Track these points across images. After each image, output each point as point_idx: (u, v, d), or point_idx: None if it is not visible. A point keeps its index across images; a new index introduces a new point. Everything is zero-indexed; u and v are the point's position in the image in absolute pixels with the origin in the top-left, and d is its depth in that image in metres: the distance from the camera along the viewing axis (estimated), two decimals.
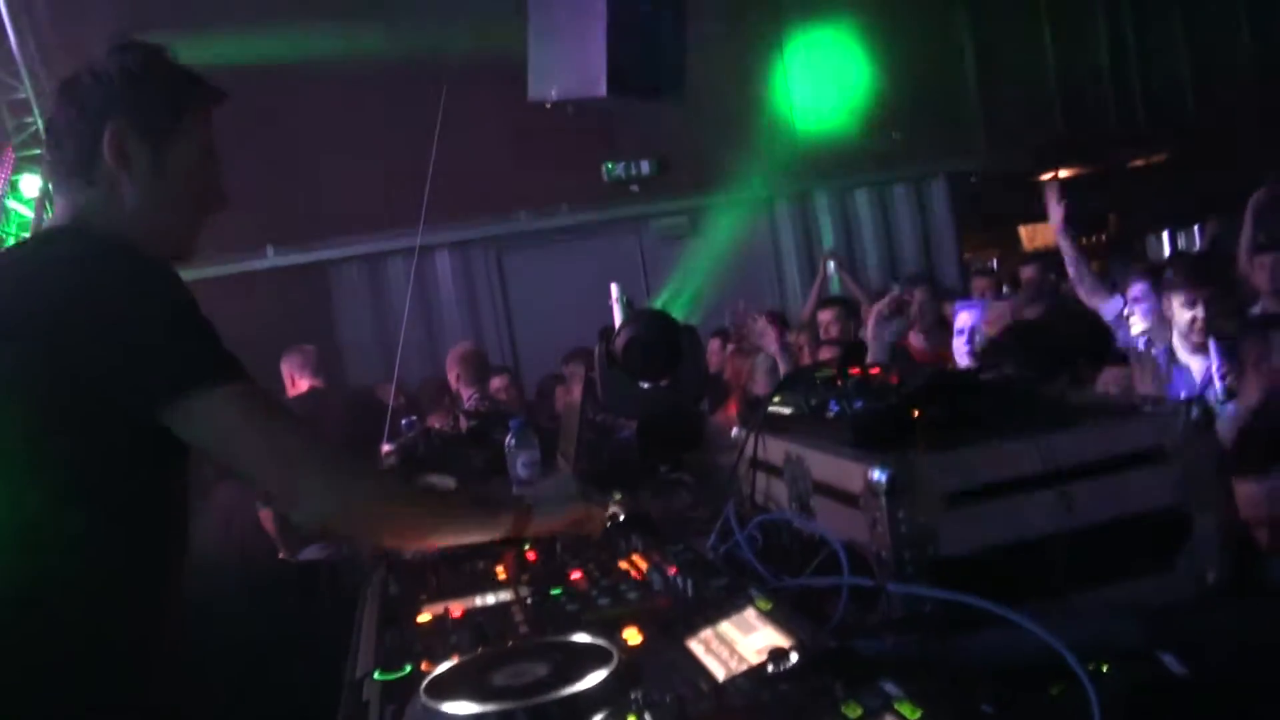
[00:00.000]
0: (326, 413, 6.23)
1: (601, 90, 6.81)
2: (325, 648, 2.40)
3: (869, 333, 3.14)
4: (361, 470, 2.14)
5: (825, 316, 7.06)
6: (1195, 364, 4.87)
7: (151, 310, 1.83)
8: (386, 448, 4.56)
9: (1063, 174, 12.29)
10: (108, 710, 1.85)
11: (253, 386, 1.90)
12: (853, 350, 2.17)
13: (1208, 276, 5.32)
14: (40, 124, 7.81)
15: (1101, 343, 5.43)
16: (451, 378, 6.75)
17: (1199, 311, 4.81)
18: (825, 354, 5.48)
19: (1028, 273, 8.24)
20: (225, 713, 3.09)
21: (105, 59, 2.01)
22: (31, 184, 7.88)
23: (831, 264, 9.04)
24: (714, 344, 6.86)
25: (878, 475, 1.64)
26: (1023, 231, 12.70)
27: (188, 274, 1.94)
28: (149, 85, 2.00)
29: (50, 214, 7.81)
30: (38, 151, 7.87)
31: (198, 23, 8.69)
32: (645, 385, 3.67)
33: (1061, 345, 4.53)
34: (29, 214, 7.77)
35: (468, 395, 6.50)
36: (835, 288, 9.15)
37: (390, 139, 8.76)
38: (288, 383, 6.56)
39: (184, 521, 2.02)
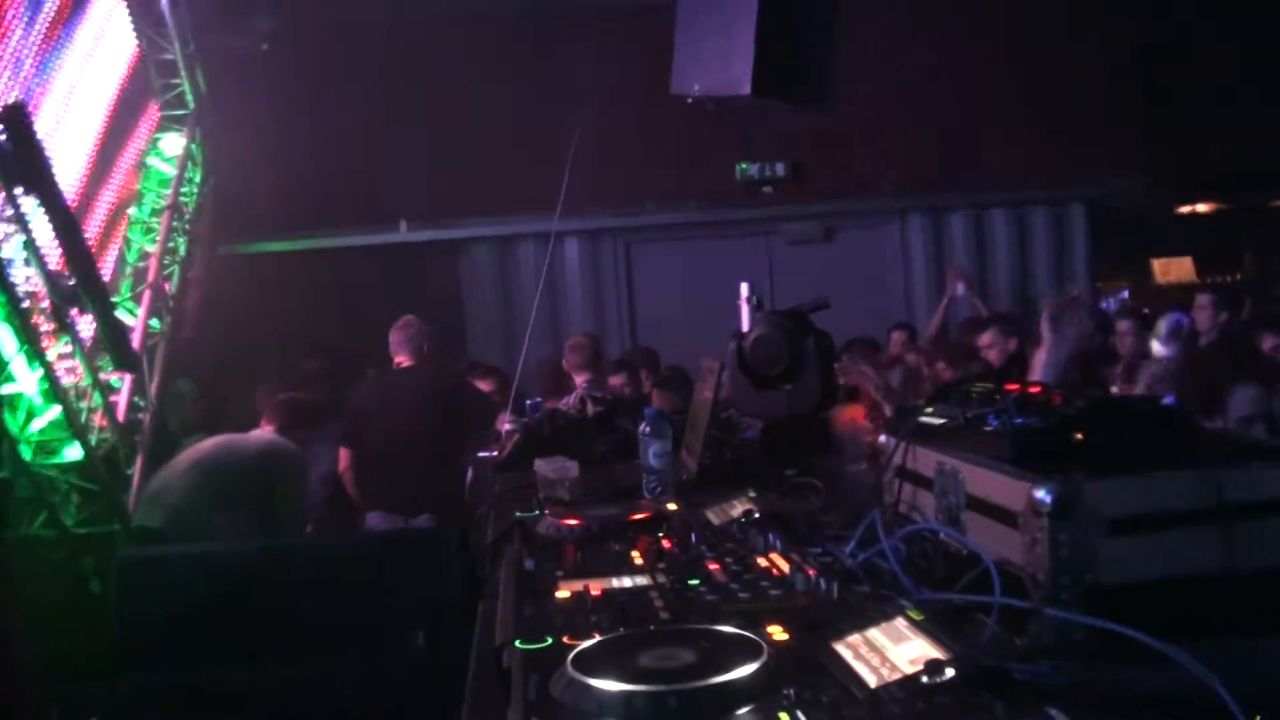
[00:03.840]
0: (393, 393, 6.37)
1: (746, 89, 6.78)
2: (449, 613, 2.43)
3: (1046, 334, 2.99)
4: None
5: (985, 339, 6.84)
6: None
7: None
8: (508, 426, 4.59)
9: (1200, 209, 11.98)
10: None
11: None
12: (1012, 366, 2.14)
13: None
14: (186, 85, 7.95)
15: None
16: (565, 364, 6.81)
17: None
18: (946, 375, 5.32)
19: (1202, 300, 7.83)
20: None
21: None
22: (173, 143, 7.95)
23: (961, 285, 8.90)
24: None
25: (1043, 495, 1.60)
26: (1155, 265, 12.38)
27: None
28: None
29: (191, 173, 8.00)
30: (182, 112, 8.02)
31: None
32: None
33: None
34: (170, 171, 7.83)
35: (580, 381, 6.55)
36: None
37: (530, 124, 8.85)
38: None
39: None
